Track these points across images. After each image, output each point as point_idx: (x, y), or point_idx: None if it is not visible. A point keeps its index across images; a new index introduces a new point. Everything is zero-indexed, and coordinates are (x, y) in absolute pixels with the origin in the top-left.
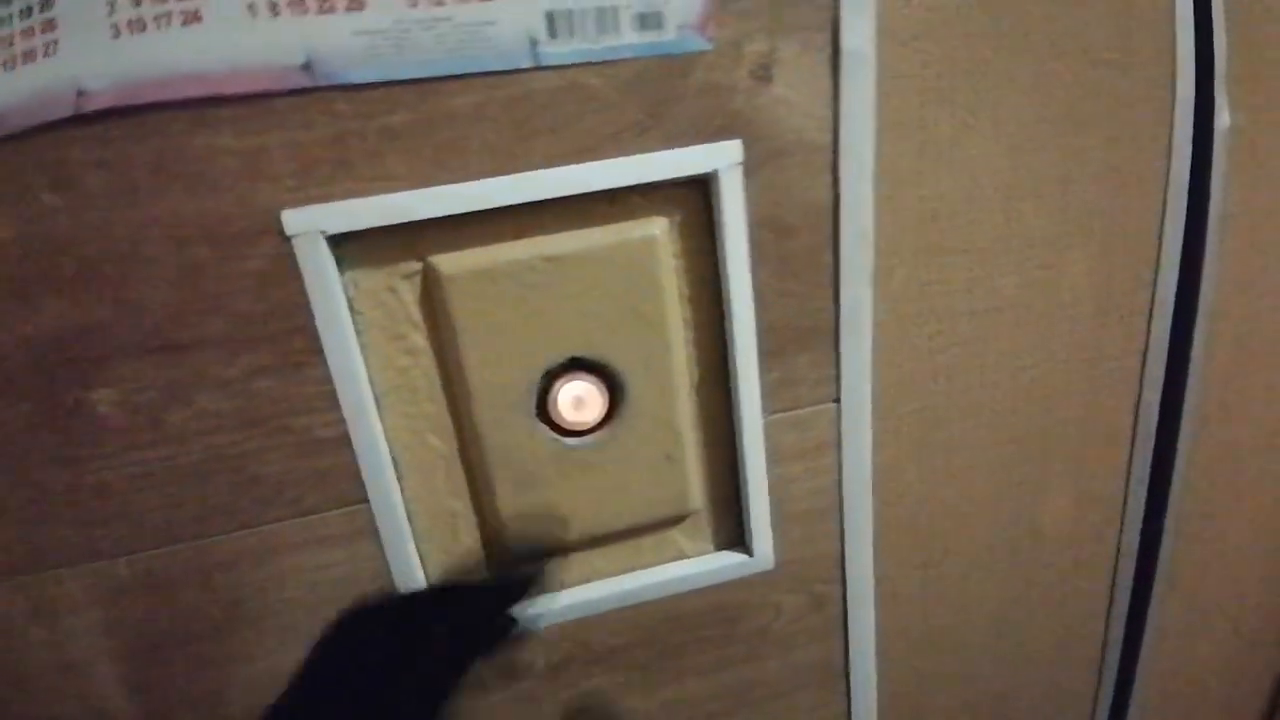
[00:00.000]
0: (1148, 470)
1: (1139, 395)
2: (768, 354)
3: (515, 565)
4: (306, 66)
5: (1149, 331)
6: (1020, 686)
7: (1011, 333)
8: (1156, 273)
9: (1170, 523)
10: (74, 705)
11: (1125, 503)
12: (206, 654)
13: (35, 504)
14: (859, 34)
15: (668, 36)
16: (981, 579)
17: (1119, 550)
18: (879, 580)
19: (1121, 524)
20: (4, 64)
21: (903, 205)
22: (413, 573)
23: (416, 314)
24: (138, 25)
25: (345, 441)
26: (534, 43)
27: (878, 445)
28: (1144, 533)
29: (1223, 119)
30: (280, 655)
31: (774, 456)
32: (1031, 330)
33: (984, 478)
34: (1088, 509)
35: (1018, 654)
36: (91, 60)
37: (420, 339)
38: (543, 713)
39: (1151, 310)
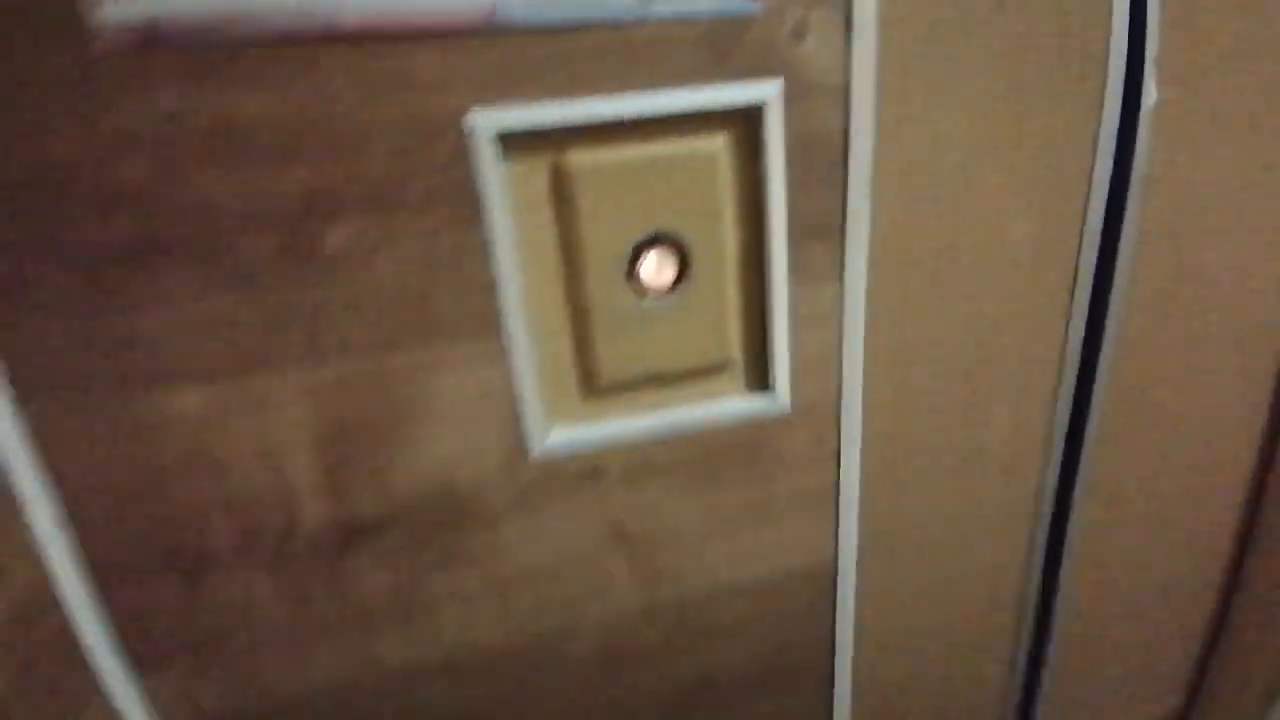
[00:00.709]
0: (1072, 394)
1: (1066, 331)
2: (792, 242)
3: (604, 396)
4: (491, 12)
5: (1076, 276)
6: (965, 550)
7: (967, 273)
8: (1084, 225)
9: (1091, 434)
10: (270, 480)
11: (1053, 422)
12: (380, 444)
13: (267, 316)
14: (865, 11)
15: (732, 4)
16: (937, 459)
17: (1047, 463)
18: (865, 426)
19: (1050, 441)
20: None
21: (886, 155)
22: (531, 397)
23: (549, 196)
24: None
25: (493, 288)
26: (643, 2)
27: (868, 323)
28: (1068, 447)
29: (1150, 95)
30: (435, 446)
31: (793, 322)
32: (981, 271)
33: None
34: (1024, 426)
35: (966, 533)
36: None
37: (550, 215)
38: (614, 509)
39: (1079, 258)
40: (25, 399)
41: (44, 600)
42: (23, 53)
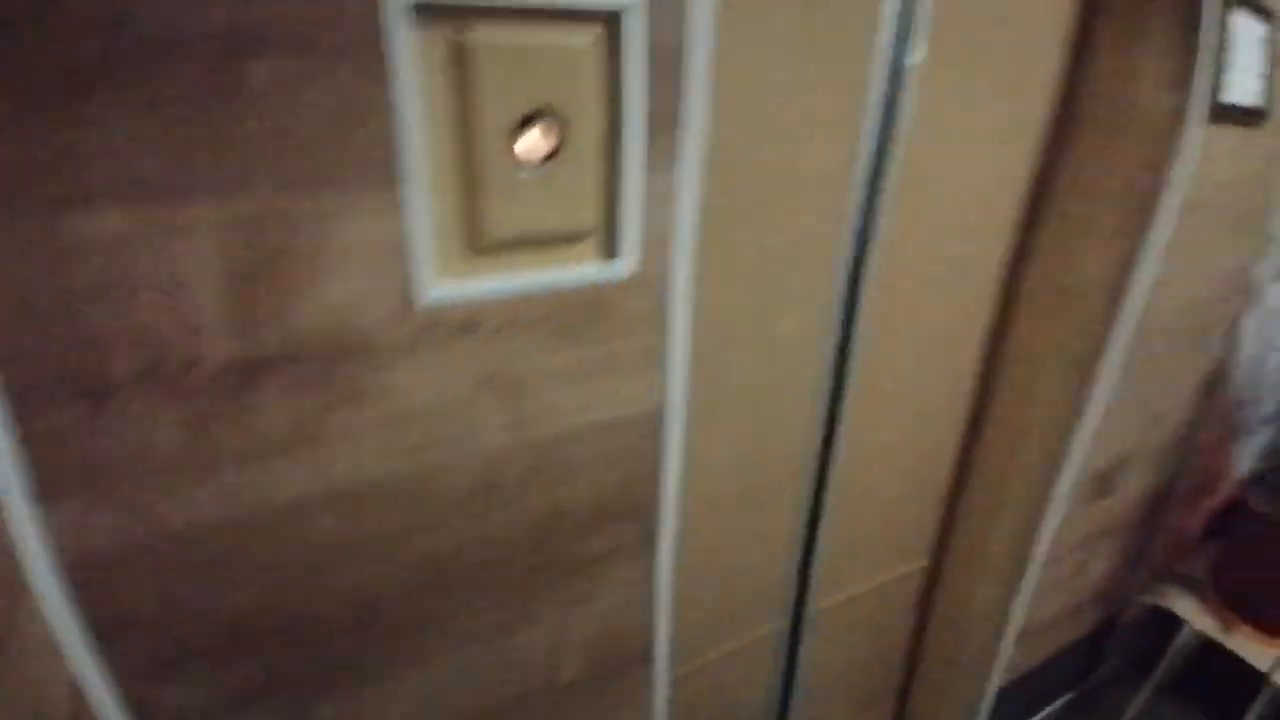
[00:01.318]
0: (845, 295)
1: (845, 240)
2: (644, 131)
3: (482, 255)
4: None
5: (849, 201)
6: (763, 418)
7: (773, 194)
8: (856, 160)
9: (858, 330)
10: (177, 310)
11: (829, 324)
12: (284, 283)
13: (186, 145)
14: None
15: None
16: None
17: (823, 355)
18: (691, 298)
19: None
20: None
21: (718, 70)
22: (421, 252)
23: (449, 66)
24: None
25: (394, 145)
26: None
27: (701, 209)
28: (841, 339)
29: (913, 55)
30: (334, 289)
31: (640, 202)
32: (784, 191)
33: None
34: (806, 326)
35: (764, 402)
36: None
37: (448, 83)
38: (487, 359)
39: (850, 193)
40: None
41: None
42: None
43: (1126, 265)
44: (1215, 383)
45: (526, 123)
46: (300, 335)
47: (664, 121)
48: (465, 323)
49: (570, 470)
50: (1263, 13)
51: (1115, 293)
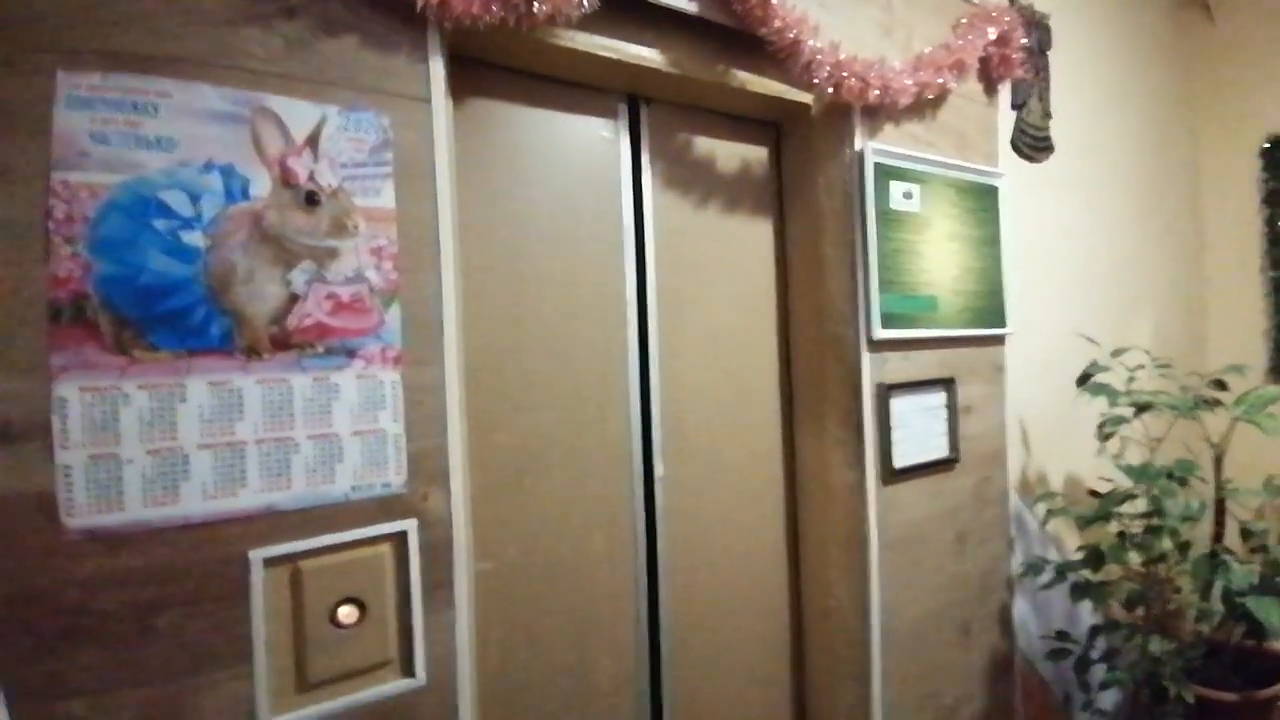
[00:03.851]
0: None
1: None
2: (425, 596)
3: (311, 690)
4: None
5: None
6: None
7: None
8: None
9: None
10: None
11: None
12: None
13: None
14: (457, 492)
15: (389, 489)
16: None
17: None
18: (476, 697)
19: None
20: None
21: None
22: (261, 700)
23: (289, 585)
24: None
25: (250, 635)
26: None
27: (478, 629)
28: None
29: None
30: None
31: (425, 638)
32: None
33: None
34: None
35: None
36: None
37: (288, 595)
38: None
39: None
40: None
41: None
42: None
43: (863, 591)
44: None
45: (342, 603)
46: None
47: (440, 587)
48: None
49: None
50: (942, 385)
51: (862, 612)
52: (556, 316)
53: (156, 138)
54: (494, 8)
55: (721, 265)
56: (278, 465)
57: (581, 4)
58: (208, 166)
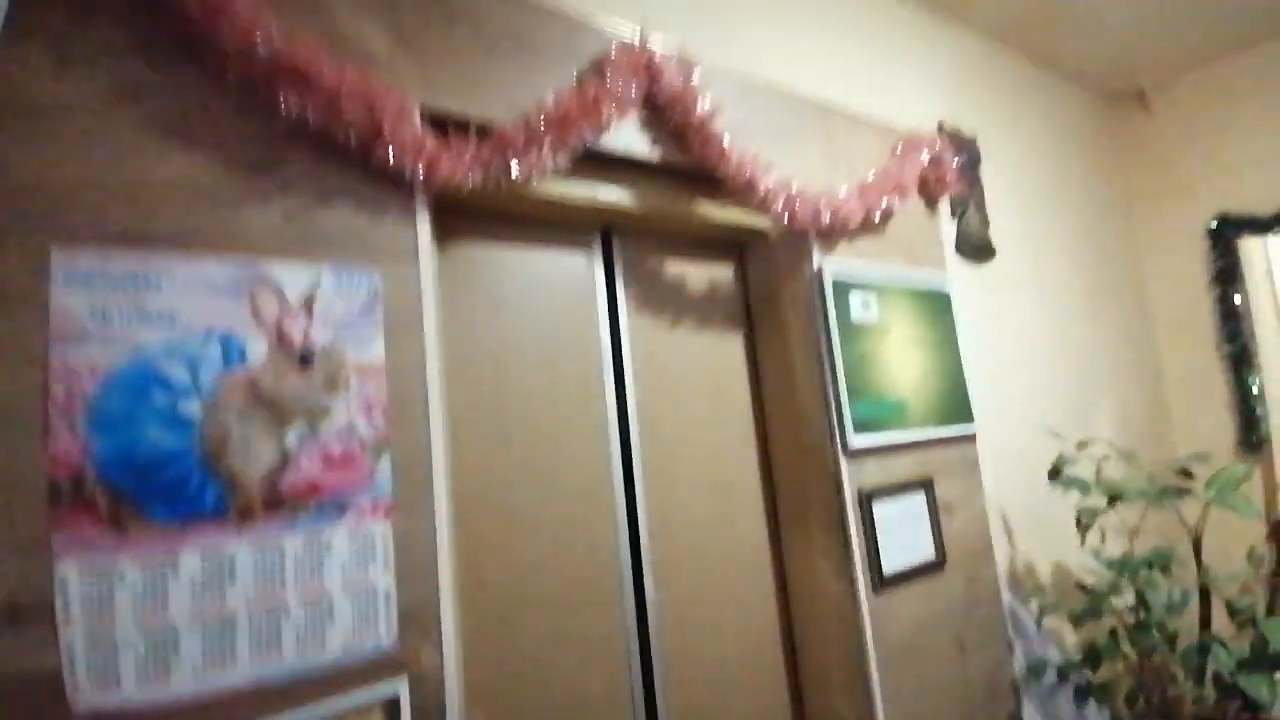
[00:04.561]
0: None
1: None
2: None
3: None
4: None
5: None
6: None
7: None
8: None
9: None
10: None
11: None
12: None
13: None
14: (446, 598)
15: (381, 643)
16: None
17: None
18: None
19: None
20: None
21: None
22: None
23: None
24: None
25: None
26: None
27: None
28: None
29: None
30: None
31: None
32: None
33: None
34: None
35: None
36: None
37: None
38: None
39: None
40: None
41: None
42: None
43: (868, 708)
44: None
45: None
46: None
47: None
48: None
49: None
50: (921, 486)
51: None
52: (541, 443)
53: (158, 312)
54: (474, 175)
55: (698, 380)
56: (268, 635)
57: (554, 166)
58: (207, 335)
